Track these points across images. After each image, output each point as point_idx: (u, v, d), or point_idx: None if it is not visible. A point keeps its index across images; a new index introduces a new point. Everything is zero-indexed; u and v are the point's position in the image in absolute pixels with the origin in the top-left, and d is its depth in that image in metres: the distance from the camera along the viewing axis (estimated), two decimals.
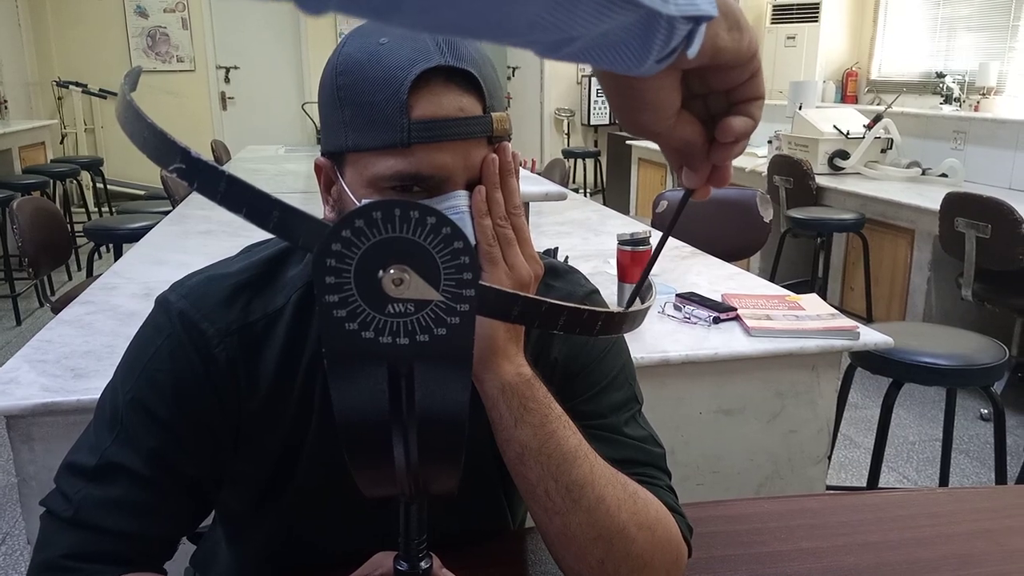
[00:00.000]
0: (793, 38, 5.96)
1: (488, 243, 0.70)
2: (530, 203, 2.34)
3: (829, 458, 1.78)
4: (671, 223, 0.58)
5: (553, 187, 2.39)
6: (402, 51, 0.69)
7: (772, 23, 6.17)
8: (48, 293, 4.46)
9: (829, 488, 2.20)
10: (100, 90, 7.18)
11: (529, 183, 2.46)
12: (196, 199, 3.12)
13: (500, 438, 0.73)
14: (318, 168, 0.77)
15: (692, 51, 0.42)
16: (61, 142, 7.18)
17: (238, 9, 7.44)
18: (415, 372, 0.47)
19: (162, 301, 0.80)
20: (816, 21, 5.77)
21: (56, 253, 2.98)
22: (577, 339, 0.85)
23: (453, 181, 0.71)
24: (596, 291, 0.92)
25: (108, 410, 0.78)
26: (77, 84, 7.12)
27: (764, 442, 1.71)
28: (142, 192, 6.96)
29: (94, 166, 6.35)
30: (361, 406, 0.48)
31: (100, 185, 6.56)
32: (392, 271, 0.43)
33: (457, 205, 0.70)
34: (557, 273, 0.91)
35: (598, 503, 0.72)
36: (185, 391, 0.76)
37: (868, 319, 3.79)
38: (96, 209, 6.75)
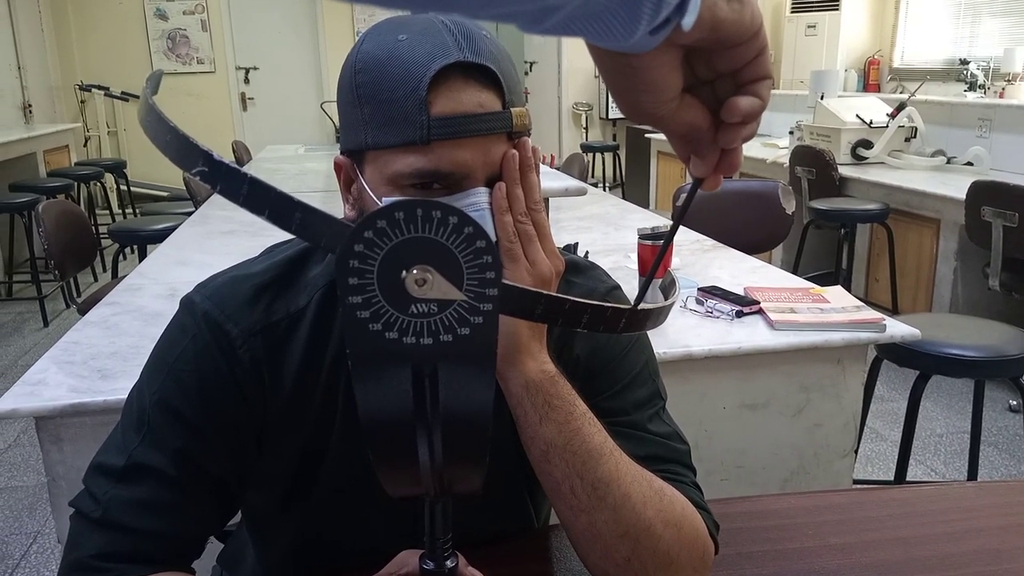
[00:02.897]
0: (814, 27, 5.90)
1: (509, 240, 0.70)
2: (549, 199, 2.32)
3: (856, 452, 1.76)
4: (680, 214, 0.56)
5: (573, 182, 2.38)
6: (421, 48, 0.69)
7: (792, 12, 6.11)
8: (74, 295, 4.53)
9: (856, 482, 2.18)
10: (122, 93, 7.26)
11: (548, 178, 2.45)
12: (218, 200, 3.14)
13: (525, 436, 0.73)
14: (338, 167, 0.77)
15: (687, 22, 0.40)
16: (84, 145, 7.27)
17: (257, 10, 7.48)
18: (439, 372, 0.46)
19: (187, 302, 0.81)
20: (837, 9, 5.71)
21: (81, 255, 3.01)
22: (599, 336, 0.85)
23: (473, 178, 0.70)
24: (617, 287, 0.92)
25: (135, 411, 0.78)
26: (99, 87, 7.21)
27: (789, 437, 1.70)
28: (165, 193, 7.04)
29: (117, 168, 6.43)
30: (385, 406, 0.48)
31: (123, 187, 6.64)
32: (415, 271, 0.43)
33: (478, 202, 0.70)
34: (578, 269, 0.90)
35: (624, 500, 0.72)
36: (211, 391, 0.77)
37: (894, 311, 3.75)
38: (120, 211, 6.83)
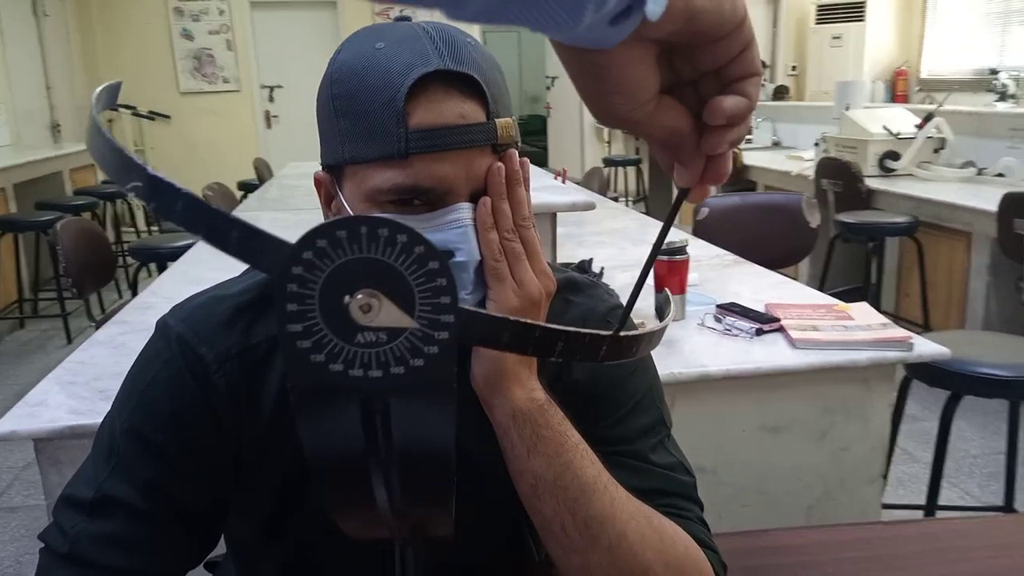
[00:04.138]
0: (839, 38, 5.82)
1: (494, 258, 0.66)
2: (557, 214, 2.28)
3: (885, 477, 1.68)
4: (664, 229, 0.51)
5: (581, 196, 2.32)
6: (399, 56, 0.65)
7: (817, 23, 6.04)
8: (97, 312, 4.55)
9: (885, 506, 2.09)
10: (149, 112, 7.34)
11: (555, 193, 2.40)
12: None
13: (513, 469, 0.68)
14: (318, 183, 0.73)
15: (651, 10, 0.35)
16: None
17: (280, 30, 7.56)
18: (391, 408, 0.42)
19: (162, 325, 0.77)
20: (862, 20, 5.63)
21: (100, 273, 3.02)
22: None
23: (455, 193, 0.66)
24: (621, 305, 0.87)
25: (106, 440, 0.75)
26: (126, 107, 7.30)
27: (813, 461, 1.62)
28: None
29: None
30: (335, 445, 0.43)
31: None
32: (360, 296, 0.39)
33: (460, 218, 0.66)
34: (578, 287, 0.85)
35: (620, 540, 0.66)
36: (183, 419, 0.73)
37: (925, 327, 3.64)
38: (146, 228, 6.90)
